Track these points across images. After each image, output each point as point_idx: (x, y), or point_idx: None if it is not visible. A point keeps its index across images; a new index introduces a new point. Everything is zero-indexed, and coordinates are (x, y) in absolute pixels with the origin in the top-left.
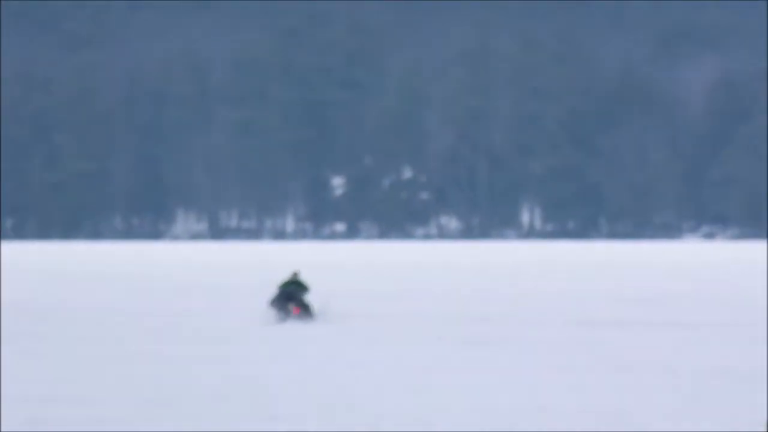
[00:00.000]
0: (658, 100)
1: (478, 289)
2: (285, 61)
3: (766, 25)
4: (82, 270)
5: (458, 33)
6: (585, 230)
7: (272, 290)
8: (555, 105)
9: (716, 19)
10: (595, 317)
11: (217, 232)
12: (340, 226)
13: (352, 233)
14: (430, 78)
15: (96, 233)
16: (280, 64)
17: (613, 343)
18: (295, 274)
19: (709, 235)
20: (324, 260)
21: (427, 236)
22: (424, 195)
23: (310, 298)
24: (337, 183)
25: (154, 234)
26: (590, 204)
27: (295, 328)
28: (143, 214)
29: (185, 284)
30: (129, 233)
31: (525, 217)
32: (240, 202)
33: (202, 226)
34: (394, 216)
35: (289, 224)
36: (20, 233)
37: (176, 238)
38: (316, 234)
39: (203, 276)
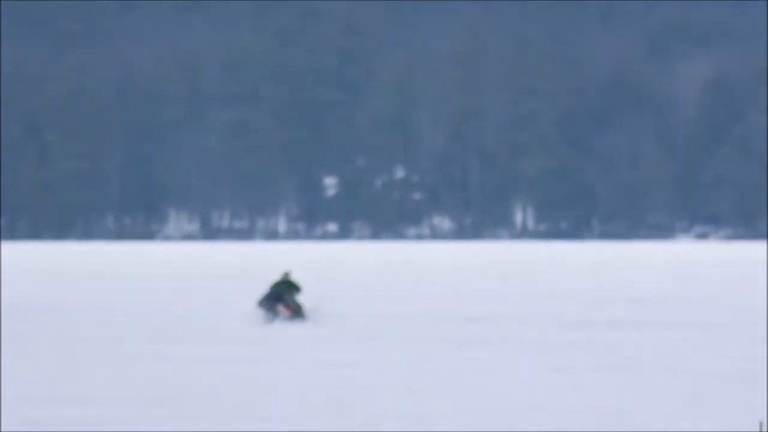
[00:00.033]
0: (650, 100)
1: (471, 289)
2: (277, 61)
3: (760, 24)
4: (79, 270)
5: (450, 33)
6: (578, 230)
7: (264, 290)
8: (547, 105)
9: (709, 19)
10: (590, 317)
11: (209, 232)
12: (332, 227)
13: (344, 233)
14: (422, 78)
15: (88, 233)
16: (273, 63)
17: (610, 343)
18: (287, 274)
19: (702, 236)
20: (316, 260)
21: (419, 236)
22: (417, 195)
23: (302, 298)
24: (330, 183)
25: (146, 234)
26: (583, 204)
27: (289, 328)
28: (135, 214)
29: (181, 284)
30: (121, 233)
31: (518, 217)
32: (232, 202)
33: (194, 226)
34: (386, 216)
35: (282, 224)
36: (12, 233)
37: (168, 238)
38: (309, 234)
39: (198, 276)
